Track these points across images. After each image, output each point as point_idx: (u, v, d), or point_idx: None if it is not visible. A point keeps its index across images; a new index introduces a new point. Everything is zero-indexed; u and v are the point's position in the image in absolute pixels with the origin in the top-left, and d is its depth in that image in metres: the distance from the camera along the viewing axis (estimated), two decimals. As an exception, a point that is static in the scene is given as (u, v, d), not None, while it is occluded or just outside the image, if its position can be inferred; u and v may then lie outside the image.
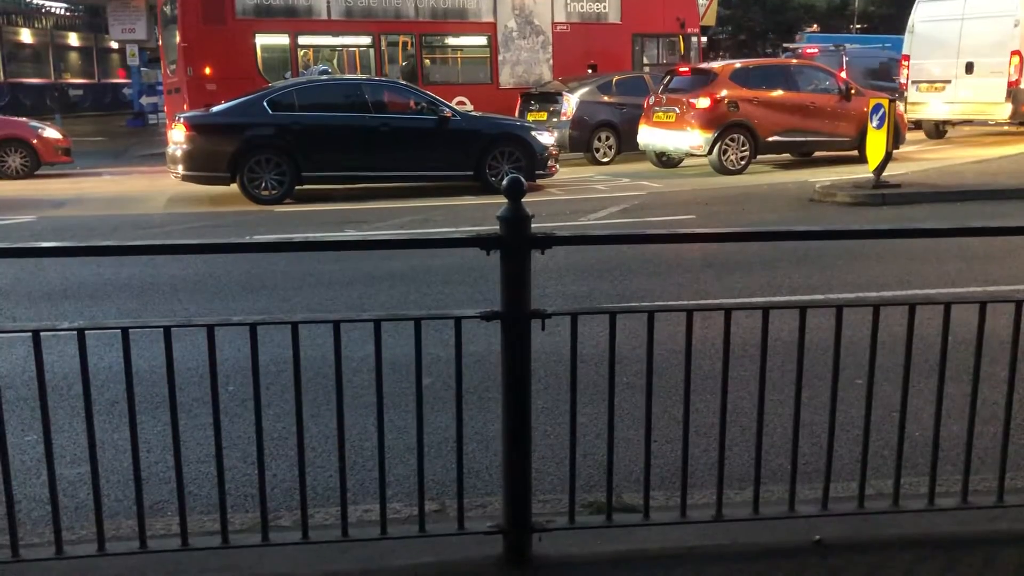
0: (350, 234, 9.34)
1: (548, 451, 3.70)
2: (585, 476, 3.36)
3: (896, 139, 12.24)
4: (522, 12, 18.68)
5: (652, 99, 15.15)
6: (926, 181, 12.15)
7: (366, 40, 17.86)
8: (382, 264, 7.25)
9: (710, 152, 14.12)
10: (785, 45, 24.53)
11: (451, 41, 18.92)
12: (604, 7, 19.26)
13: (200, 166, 11.80)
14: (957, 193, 11.22)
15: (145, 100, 29.43)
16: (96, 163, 17.61)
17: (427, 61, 18.33)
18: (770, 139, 14.44)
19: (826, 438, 2.78)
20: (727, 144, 14.10)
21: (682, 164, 15.53)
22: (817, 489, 2.87)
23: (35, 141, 15.57)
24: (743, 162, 14.22)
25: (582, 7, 19.10)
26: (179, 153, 11.83)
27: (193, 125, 11.91)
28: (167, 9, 17.36)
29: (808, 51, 24.53)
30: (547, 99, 16.60)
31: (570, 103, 16.13)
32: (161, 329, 2.51)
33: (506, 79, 18.87)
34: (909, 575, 2.62)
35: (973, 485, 2.88)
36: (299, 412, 2.57)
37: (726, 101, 14.20)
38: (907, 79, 18.82)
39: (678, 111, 14.41)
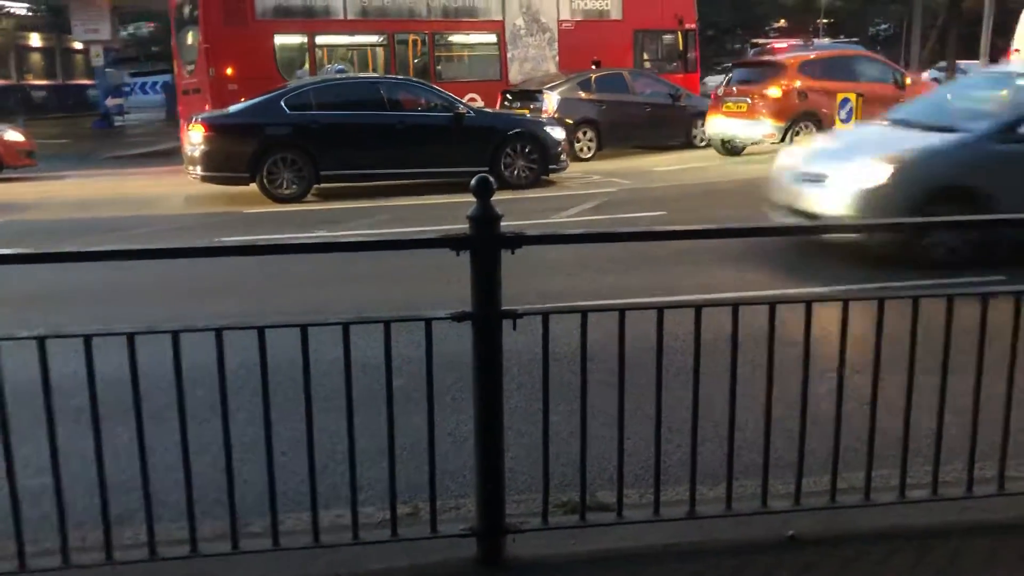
0: (320, 235, 9.28)
1: (521, 451, 3.69)
2: (559, 475, 3.35)
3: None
4: (529, 10, 19.16)
5: (721, 90, 16.05)
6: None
7: (380, 39, 18.27)
8: (353, 264, 7.20)
9: (782, 139, 14.68)
10: (754, 41, 24.70)
11: (461, 39, 19.33)
12: (606, 4, 19.71)
13: (220, 166, 11.91)
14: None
15: (111, 102, 29.05)
16: (61, 166, 17.35)
17: (439, 59, 18.80)
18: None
19: (798, 432, 2.79)
20: (797, 132, 14.78)
21: (744, 152, 16.24)
22: (790, 484, 2.88)
23: None
24: None
25: (586, 4, 19.59)
26: (197, 154, 11.89)
27: (212, 125, 12.02)
28: (186, 11, 17.61)
29: (777, 46, 24.73)
30: (527, 97, 16.67)
31: (550, 101, 16.25)
32: (125, 336, 2.46)
33: (515, 75, 19.24)
34: (882, 567, 2.64)
35: (943, 476, 2.91)
36: (267, 417, 2.54)
37: (796, 92, 15.07)
38: None
39: (750, 101, 15.23)
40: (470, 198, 2.55)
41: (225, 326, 2.52)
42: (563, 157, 13.16)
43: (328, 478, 3.51)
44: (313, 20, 17.52)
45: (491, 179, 2.59)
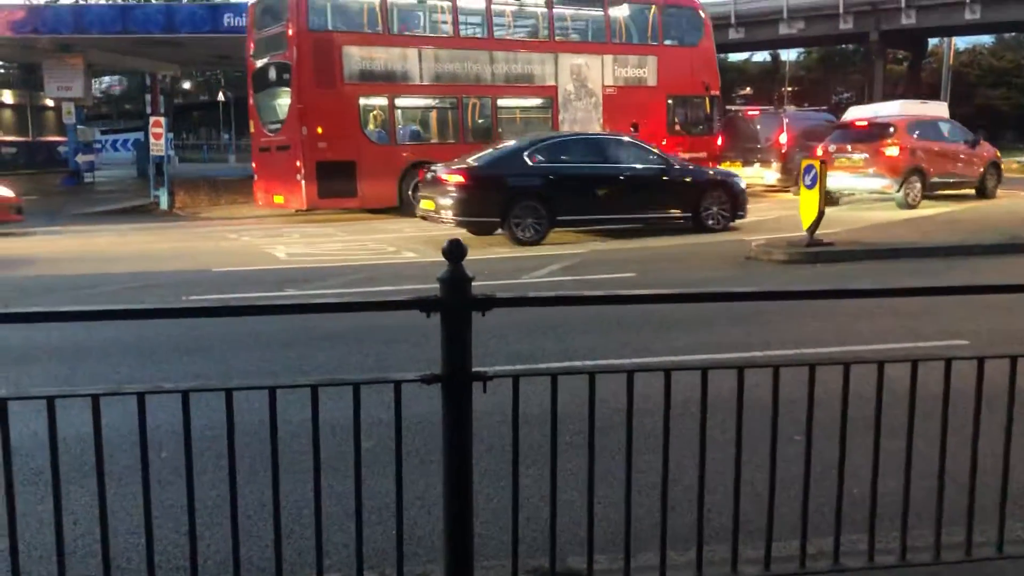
0: (289, 293, 9.24)
1: (491, 515, 3.65)
2: (529, 540, 3.32)
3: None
4: (578, 77, 21.12)
5: (833, 147, 18.08)
6: (858, 239, 12.50)
7: (451, 102, 19.95)
8: (323, 323, 7.17)
9: (899, 191, 17.24)
10: (728, 107, 25.38)
11: (520, 103, 21.30)
12: (644, 72, 21.90)
13: (475, 212, 13.27)
14: (887, 251, 11.57)
15: (81, 158, 28.96)
16: (31, 223, 17.23)
17: (501, 120, 20.49)
18: (932, 180, 17.90)
19: (767, 496, 2.79)
20: (909, 184, 17.39)
21: (839, 202, 18.34)
22: (760, 549, 2.87)
23: None
24: (918, 199, 17.44)
25: (626, 72, 21.72)
26: (451, 201, 13.13)
27: (471, 175, 13.24)
28: (271, 75, 19.15)
29: (749, 113, 25.39)
30: None
31: None
32: (89, 397, 2.43)
33: None
34: (852, 634, 2.62)
35: (911, 541, 2.91)
36: (233, 483, 2.50)
37: (909, 150, 17.51)
38: None
39: (867, 157, 17.53)
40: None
41: (192, 388, 2.49)
42: (747, 206, 14.83)
43: (294, 543, 3.45)
44: (393, 84, 19.16)
45: (462, 242, 2.59)
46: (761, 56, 63.60)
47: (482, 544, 3.18)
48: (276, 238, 14.95)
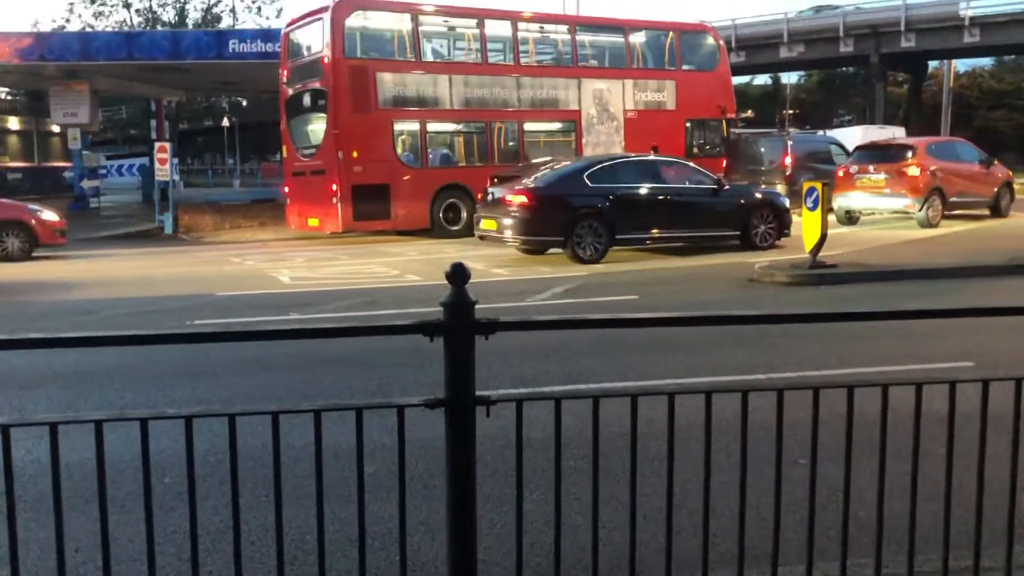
0: (293, 318, 9.25)
1: (495, 541, 3.63)
2: (533, 565, 3.30)
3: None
4: (600, 102, 21.82)
5: (854, 168, 18.50)
6: (861, 261, 12.50)
7: (480, 126, 20.61)
8: (326, 347, 7.17)
9: (920, 210, 17.59)
10: (731, 130, 25.63)
11: (545, 126, 21.98)
12: (663, 97, 22.62)
13: (539, 231, 13.64)
14: (890, 272, 11.56)
15: (86, 184, 29.09)
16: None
17: (527, 143, 21.07)
18: (951, 199, 18.23)
19: (772, 521, 2.77)
20: (930, 204, 17.71)
21: (860, 221, 19.04)
22: (765, 574, 2.85)
23: (33, 223, 15.95)
24: (938, 218, 17.78)
25: (647, 97, 22.43)
26: (515, 221, 13.50)
27: (536, 196, 13.59)
28: (305, 101, 19.71)
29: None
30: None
31: None
32: (93, 423, 2.42)
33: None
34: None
35: (918, 566, 2.89)
36: (236, 508, 2.48)
37: (929, 170, 17.80)
38: None
39: (888, 178, 17.89)
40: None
41: (195, 413, 2.49)
42: (793, 224, 14.92)
43: (297, 569, 3.43)
44: (425, 109, 19.70)
45: (465, 266, 2.59)
46: (762, 79, 63.94)
47: (486, 570, 3.16)
48: (280, 262, 14.98)
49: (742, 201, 14.96)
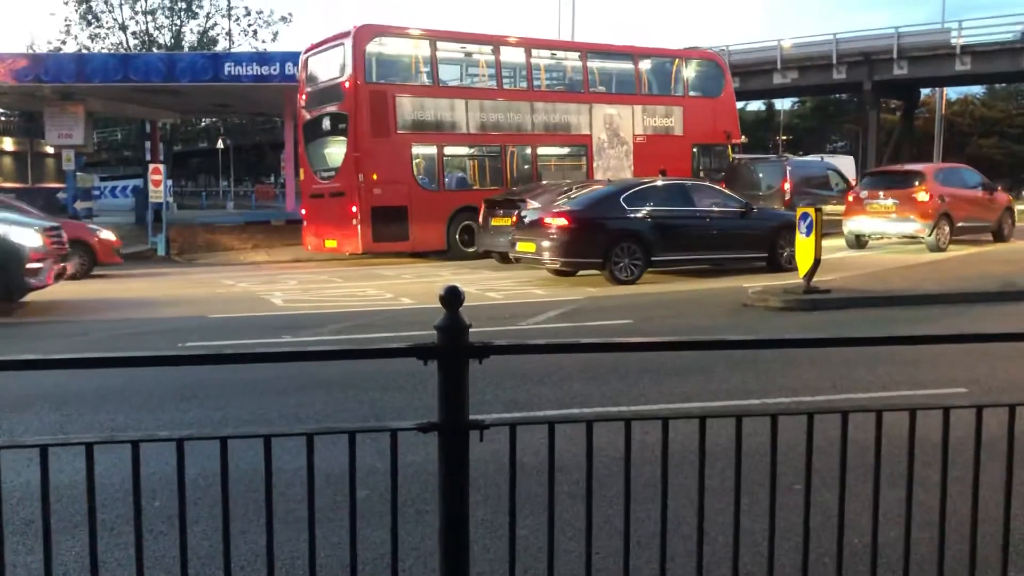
0: (285, 340, 9.22)
1: (488, 567, 3.60)
2: (525, 591, 3.27)
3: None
4: (611, 126, 22.40)
5: (864, 193, 18.92)
6: (855, 286, 12.53)
7: (495, 150, 21.07)
8: (319, 370, 7.14)
9: (930, 235, 17.95)
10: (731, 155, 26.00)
11: (558, 151, 22.56)
12: (671, 122, 23.21)
13: (578, 253, 13.86)
14: (883, 298, 11.58)
15: (79, 205, 29.05)
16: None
17: (540, 166, 21.62)
18: (959, 224, 18.64)
19: (767, 546, 2.76)
20: (939, 229, 18.07)
21: (869, 245, 19.47)
22: (760, 600, 2.82)
23: (94, 242, 16.27)
24: (947, 242, 18.18)
25: (655, 122, 23.01)
26: (554, 243, 13.76)
27: (575, 218, 13.83)
28: (324, 125, 20.04)
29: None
30: (511, 205, 17.57)
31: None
32: (83, 446, 2.40)
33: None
34: None
35: (914, 593, 2.87)
36: (226, 532, 2.46)
37: (938, 196, 18.21)
38: None
39: (898, 203, 18.19)
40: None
41: (186, 436, 2.47)
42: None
43: (287, 594, 3.39)
44: (442, 133, 20.15)
45: (459, 288, 2.59)
46: (755, 105, 64.37)
47: (478, 596, 3.13)
48: (273, 285, 14.96)
49: (769, 223, 15.25)
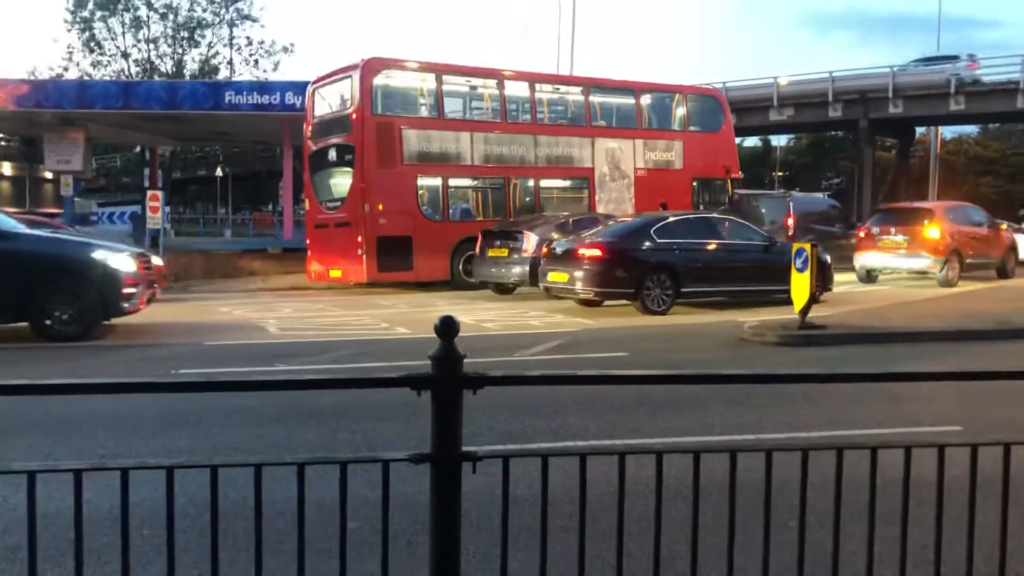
0: (279, 368, 9.18)
1: (478, 599, 3.55)
2: (516, 626, 3.22)
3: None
4: (612, 160, 22.71)
5: (876, 229, 19.48)
6: (850, 323, 12.54)
7: (498, 182, 21.32)
8: (311, 399, 7.10)
9: (941, 270, 18.58)
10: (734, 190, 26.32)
11: (560, 183, 22.88)
12: (671, 156, 23.55)
13: (611, 284, 14.05)
14: (881, 335, 11.58)
15: (77, 230, 29.08)
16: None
17: (543, 198, 21.90)
18: (968, 261, 19.32)
19: (761, 585, 2.73)
20: (949, 265, 18.71)
21: (879, 279, 20.03)
22: (754, 639, 2.79)
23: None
24: (956, 278, 18.73)
25: (656, 156, 23.32)
26: (587, 274, 13.96)
27: (608, 250, 14.10)
28: (331, 156, 20.28)
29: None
30: (508, 236, 17.82)
31: (530, 240, 17.30)
32: (71, 473, 2.38)
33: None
34: None
35: (909, 634, 2.84)
36: (215, 562, 2.43)
37: (949, 232, 18.84)
38: None
39: (909, 239, 18.78)
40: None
41: (176, 464, 2.45)
42: (832, 277, 15.97)
43: (275, 626, 3.35)
44: (447, 164, 20.44)
45: (455, 318, 2.58)
46: (752, 141, 64.81)
47: (469, 630, 3.09)
48: (268, 312, 14.94)
49: (788, 257, 15.30)
